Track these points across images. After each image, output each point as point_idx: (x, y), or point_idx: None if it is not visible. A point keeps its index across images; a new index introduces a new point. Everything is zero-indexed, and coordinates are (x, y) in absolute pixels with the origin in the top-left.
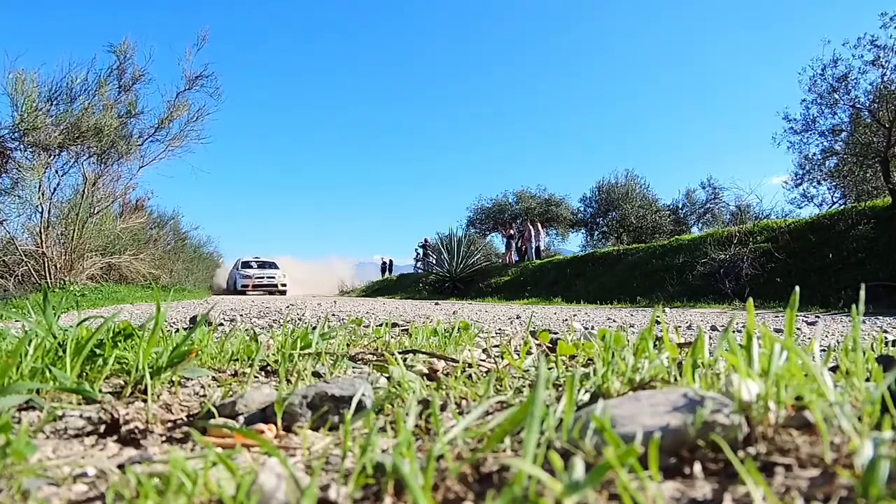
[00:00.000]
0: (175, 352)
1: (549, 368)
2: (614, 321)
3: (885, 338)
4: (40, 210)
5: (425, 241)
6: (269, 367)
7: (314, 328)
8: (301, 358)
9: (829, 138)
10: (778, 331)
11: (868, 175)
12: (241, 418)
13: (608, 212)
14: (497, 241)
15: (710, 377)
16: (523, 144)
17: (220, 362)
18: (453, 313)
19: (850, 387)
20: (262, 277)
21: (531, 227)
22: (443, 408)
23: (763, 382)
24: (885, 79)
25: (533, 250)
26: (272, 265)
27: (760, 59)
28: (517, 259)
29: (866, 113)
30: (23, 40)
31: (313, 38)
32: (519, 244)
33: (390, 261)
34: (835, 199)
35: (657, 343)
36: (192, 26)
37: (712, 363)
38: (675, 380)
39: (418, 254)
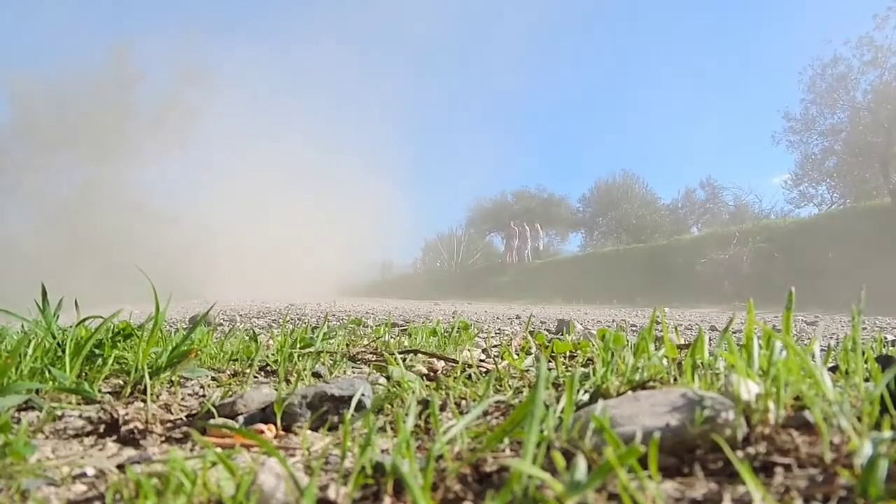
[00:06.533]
0: (174, 352)
1: (549, 369)
2: (614, 321)
3: (885, 338)
4: (40, 210)
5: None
6: (268, 367)
7: (314, 328)
8: (301, 358)
9: (829, 138)
10: (777, 331)
11: (868, 175)
12: (241, 418)
13: (607, 211)
14: (497, 242)
15: (710, 377)
16: (523, 144)
17: (219, 362)
18: (453, 313)
19: (850, 386)
20: None
21: (530, 227)
22: (442, 408)
23: (763, 382)
24: (884, 78)
25: (532, 251)
26: None
27: (761, 57)
28: (517, 259)
29: (865, 113)
30: (23, 40)
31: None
32: (518, 244)
33: (390, 261)
34: (834, 199)
35: (657, 343)
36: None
37: (712, 363)
38: (675, 380)
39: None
